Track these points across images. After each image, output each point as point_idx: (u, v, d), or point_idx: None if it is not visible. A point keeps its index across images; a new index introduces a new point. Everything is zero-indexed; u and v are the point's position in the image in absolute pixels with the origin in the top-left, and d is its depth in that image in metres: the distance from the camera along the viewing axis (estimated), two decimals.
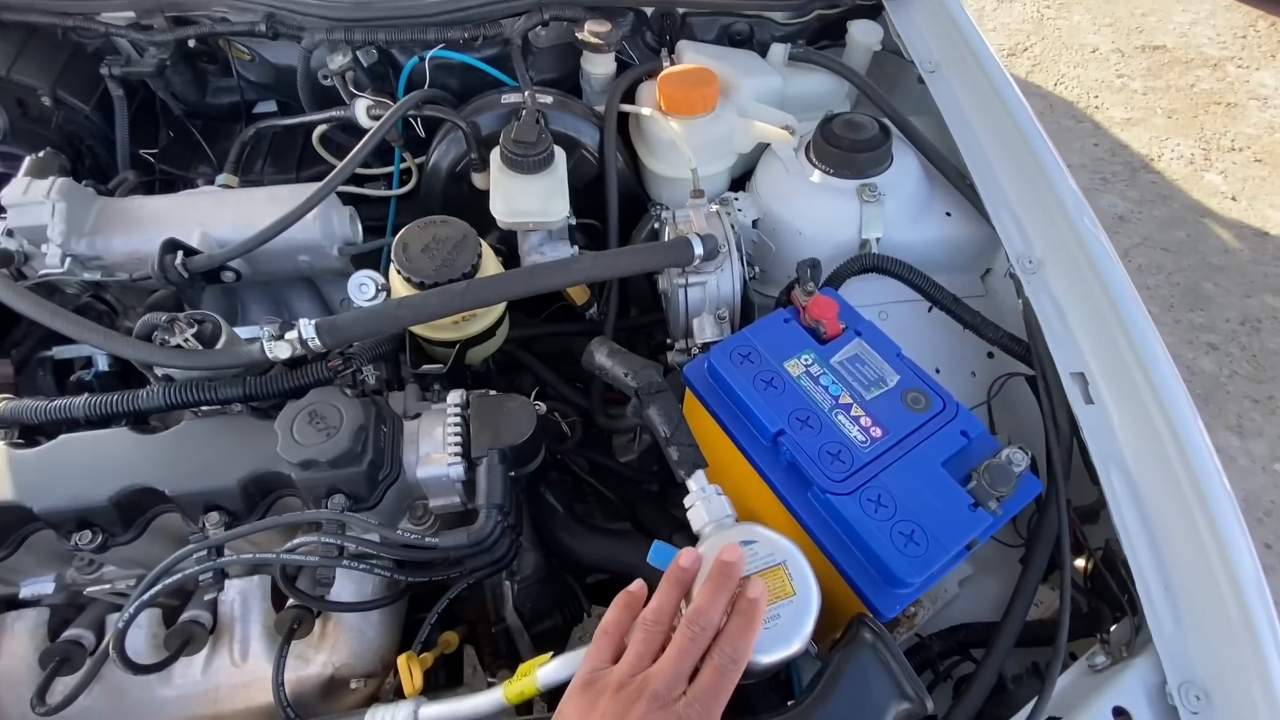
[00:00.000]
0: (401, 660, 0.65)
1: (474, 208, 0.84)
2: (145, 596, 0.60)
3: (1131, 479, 0.67)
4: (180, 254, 0.72)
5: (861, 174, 0.88)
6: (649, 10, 1.02)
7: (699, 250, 0.76)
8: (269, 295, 0.93)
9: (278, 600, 0.73)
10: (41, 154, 0.76)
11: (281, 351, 0.65)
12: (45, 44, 0.92)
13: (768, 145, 0.96)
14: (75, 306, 0.73)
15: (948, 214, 0.92)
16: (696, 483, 0.64)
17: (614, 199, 0.92)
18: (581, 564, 0.86)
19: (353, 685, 0.73)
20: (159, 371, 0.70)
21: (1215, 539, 0.62)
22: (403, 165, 1.02)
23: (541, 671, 0.56)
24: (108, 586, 0.69)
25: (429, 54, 0.92)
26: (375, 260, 0.97)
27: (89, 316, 0.68)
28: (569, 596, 0.90)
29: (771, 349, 0.71)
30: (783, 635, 0.54)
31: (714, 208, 0.85)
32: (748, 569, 0.56)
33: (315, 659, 0.71)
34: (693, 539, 0.64)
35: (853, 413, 0.67)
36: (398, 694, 0.70)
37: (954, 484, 0.63)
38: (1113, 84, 2.95)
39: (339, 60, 0.90)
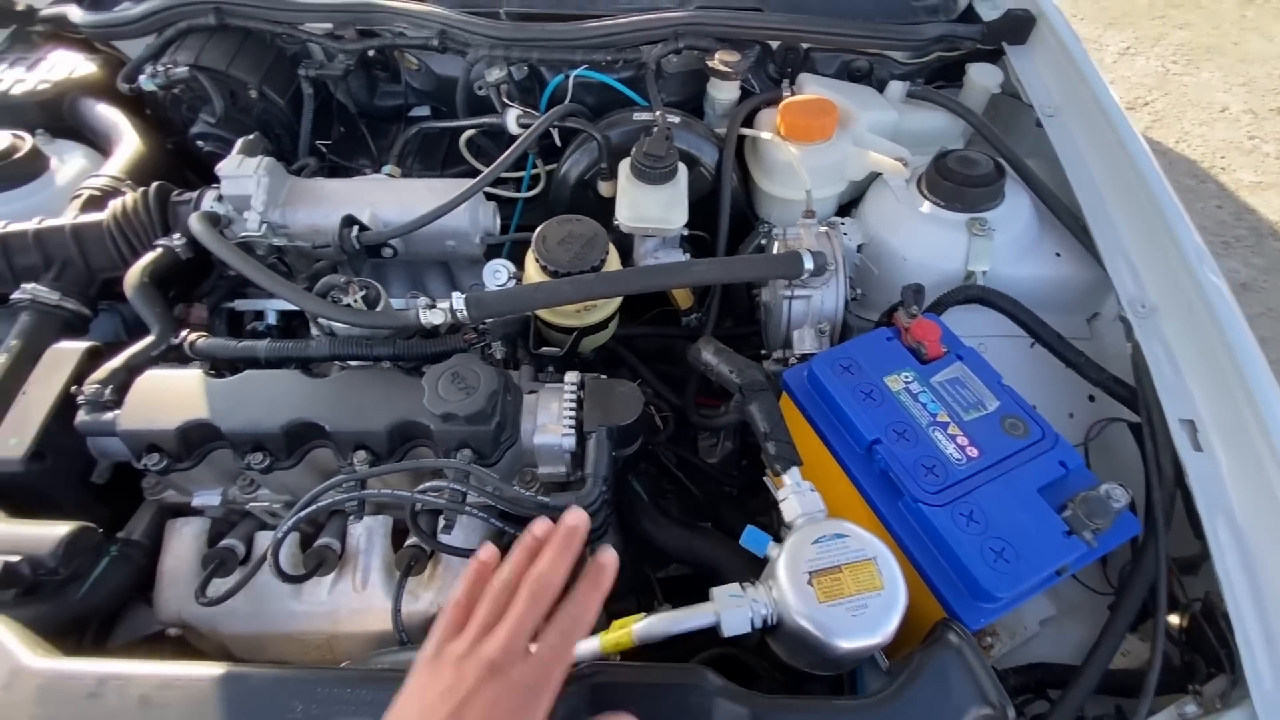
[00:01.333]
0: None
1: (595, 213, 0.92)
2: (301, 514, 0.70)
3: (1239, 530, 0.66)
4: (355, 229, 0.84)
5: (972, 208, 0.91)
6: (774, 44, 1.09)
7: (809, 265, 0.81)
8: (409, 273, 1.04)
9: (396, 540, 0.82)
10: (251, 137, 0.90)
11: (435, 318, 0.75)
12: (257, 46, 1.08)
13: (878, 175, 1.00)
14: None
15: (1057, 254, 0.93)
16: (791, 478, 0.68)
17: (726, 213, 0.99)
18: (660, 553, 0.90)
19: None
20: (323, 325, 0.81)
21: None
22: (533, 170, 1.13)
23: (637, 626, 0.61)
24: (263, 505, 0.79)
25: (574, 73, 1.02)
26: (500, 252, 1.07)
27: None
28: (643, 584, 0.95)
29: (872, 363, 0.75)
30: (868, 625, 0.57)
31: (823, 228, 0.90)
32: (839, 561, 0.59)
33: (424, 596, 0.79)
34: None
35: (949, 431, 0.70)
36: None
37: (1049, 510, 0.65)
38: (1242, 145, 2.80)
39: (495, 74, 1.02)
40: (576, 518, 0.53)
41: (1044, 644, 0.78)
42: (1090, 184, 0.92)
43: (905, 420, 0.71)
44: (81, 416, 0.74)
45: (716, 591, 0.61)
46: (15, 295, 0.83)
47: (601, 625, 0.69)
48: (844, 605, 0.58)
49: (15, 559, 0.64)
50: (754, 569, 0.82)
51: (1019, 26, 1.10)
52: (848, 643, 0.57)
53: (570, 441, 0.77)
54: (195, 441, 0.74)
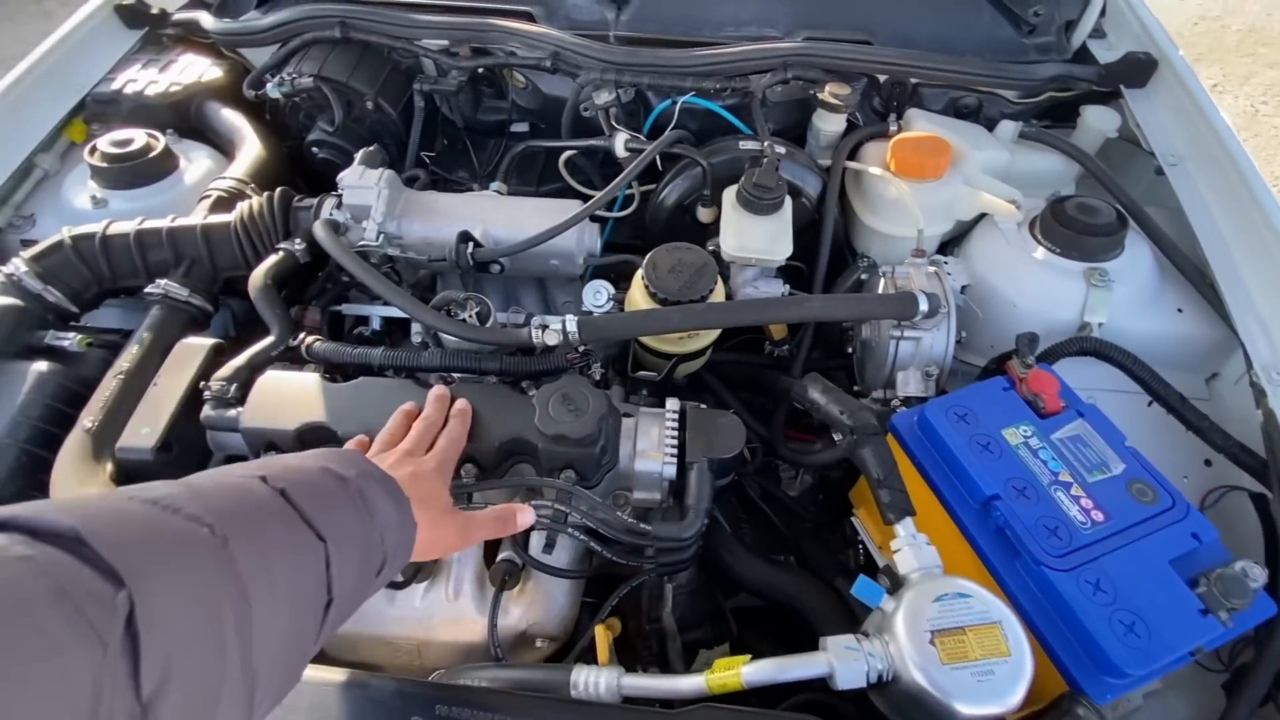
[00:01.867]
0: (600, 630, 0.72)
1: (690, 237, 0.92)
2: None
3: None
4: (470, 245, 0.86)
5: (1091, 257, 0.88)
6: (882, 78, 1.08)
7: (924, 306, 0.80)
8: (504, 287, 1.06)
9: (488, 553, 0.83)
10: (372, 148, 0.94)
11: (550, 339, 0.76)
12: (374, 59, 1.12)
13: (986, 215, 0.98)
14: None
15: (1179, 310, 0.89)
16: (905, 529, 0.66)
17: (827, 247, 0.98)
18: (738, 584, 0.89)
19: (538, 644, 0.81)
20: (438, 336, 0.83)
21: None
22: (627, 191, 1.14)
23: (747, 670, 0.60)
24: None
25: (681, 99, 1.03)
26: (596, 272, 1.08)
27: None
28: (717, 613, 0.94)
29: (989, 414, 0.73)
30: (994, 692, 0.55)
31: (933, 268, 0.88)
32: (963, 622, 0.58)
33: (513, 611, 0.80)
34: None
35: (1073, 492, 0.68)
36: (578, 659, 0.76)
37: (1182, 585, 0.62)
38: None
39: (604, 97, 1.03)
40: (440, 390, 0.75)
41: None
42: (1218, 238, 0.89)
43: (1025, 476, 0.68)
44: (207, 411, 0.77)
45: (831, 642, 0.60)
46: (149, 289, 0.87)
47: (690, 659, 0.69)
48: (968, 669, 0.56)
49: None
50: (841, 614, 0.81)
51: (1139, 70, 1.06)
52: (970, 709, 0.55)
53: (671, 470, 0.77)
54: (310, 443, 0.77)
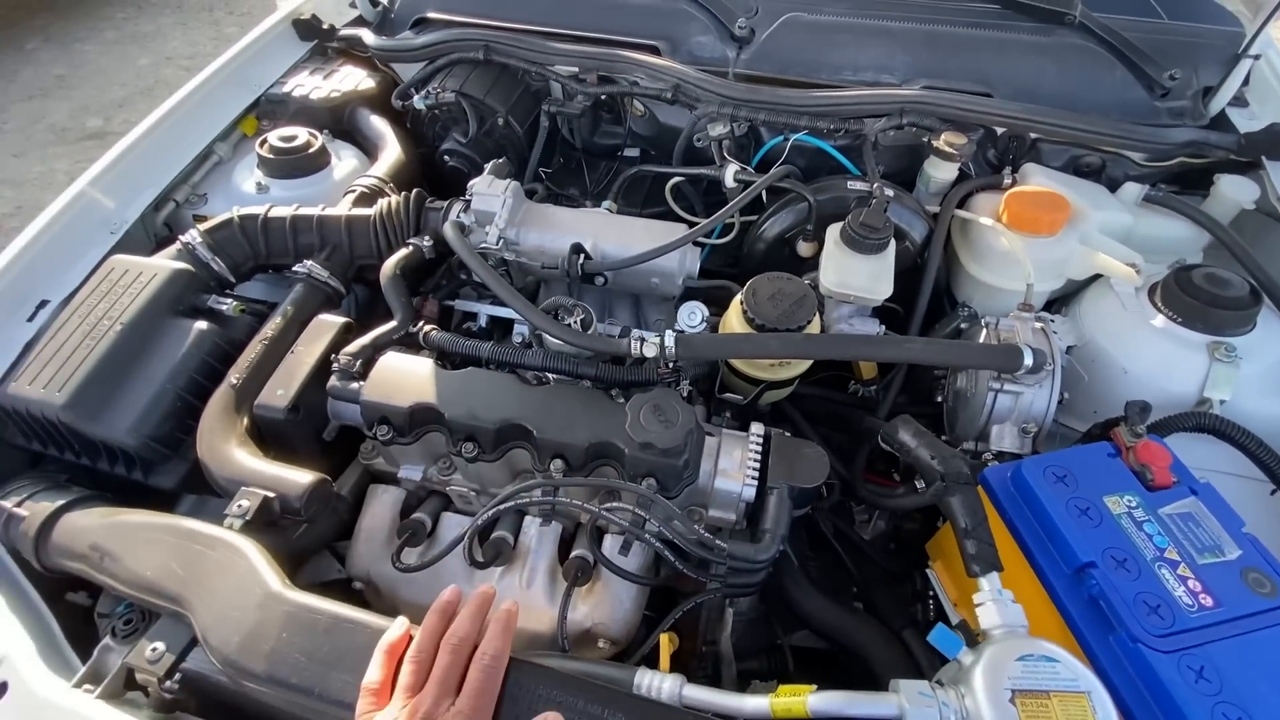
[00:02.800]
0: (664, 638, 0.74)
1: (787, 269, 0.93)
2: (503, 507, 0.76)
3: None
4: (581, 256, 0.91)
5: (1216, 330, 0.84)
6: (1000, 130, 1.07)
7: (1028, 361, 0.78)
8: (601, 301, 1.11)
9: (561, 550, 0.87)
10: (500, 160, 1.02)
11: (649, 351, 0.79)
12: (509, 80, 1.22)
13: (1102, 277, 0.95)
14: None
15: None
16: (990, 583, 0.65)
17: (928, 292, 0.97)
18: (803, 620, 0.88)
19: (600, 644, 0.83)
20: (542, 337, 0.88)
21: None
22: (728, 220, 1.17)
23: (814, 699, 0.60)
24: (456, 489, 0.87)
25: (794, 136, 1.06)
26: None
27: None
28: (773, 647, 0.93)
29: (1090, 479, 0.71)
30: None
31: (1039, 324, 0.86)
32: (1048, 686, 0.56)
33: (581, 608, 0.82)
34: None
35: (1179, 571, 0.64)
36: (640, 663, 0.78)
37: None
38: None
39: (719, 129, 1.08)
40: (489, 589, 0.62)
41: None
42: None
43: (1127, 548, 0.66)
44: (333, 382, 0.85)
45: (904, 685, 0.59)
46: (296, 268, 0.97)
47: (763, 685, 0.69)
48: None
49: (271, 495, 0.75)
50: (907, 666, 0.78)
51: (1265, 144, 1.01)
52: None
53: (751, 492, 0.78)
54: (419, 422, 0.83)
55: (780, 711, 0.61)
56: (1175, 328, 0.85)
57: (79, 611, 0.79)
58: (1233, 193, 1.00)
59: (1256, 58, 1.04)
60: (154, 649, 0.65)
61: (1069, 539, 0.66)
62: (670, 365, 0.86)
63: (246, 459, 0.78)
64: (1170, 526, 0.67)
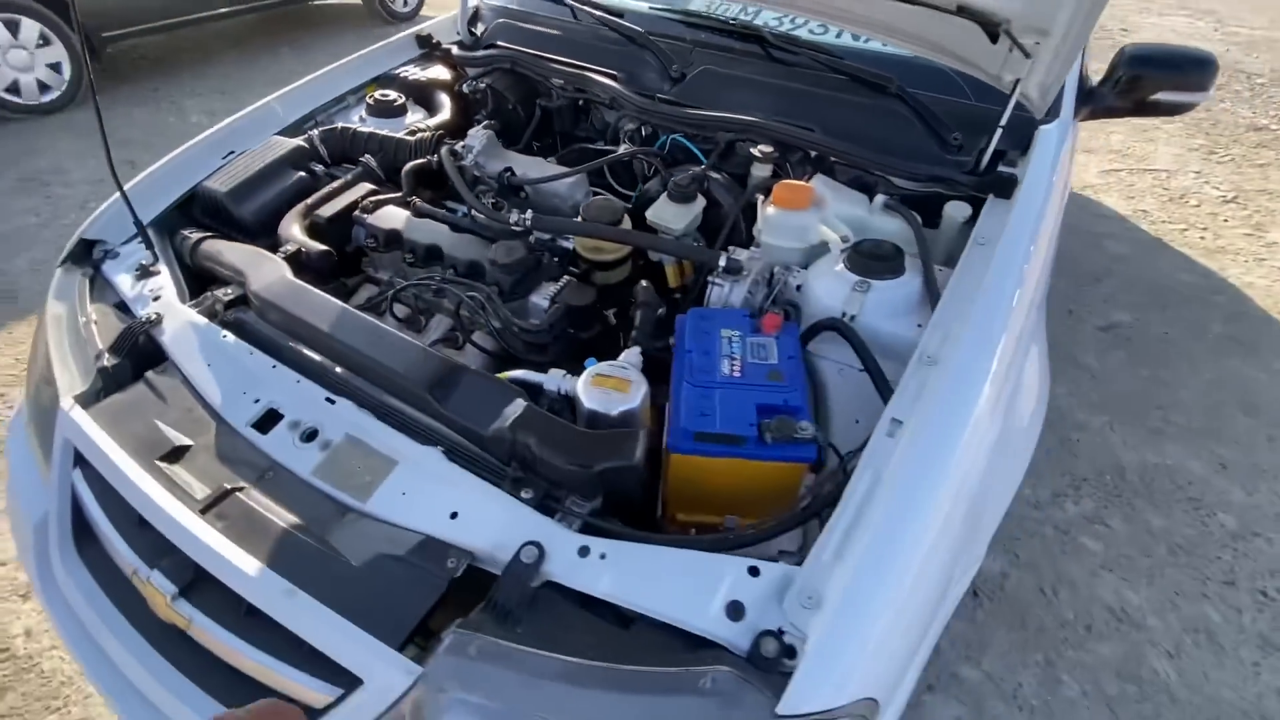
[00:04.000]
0: None
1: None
2: (410, 284, 1.37)
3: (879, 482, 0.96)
4: (509, 173, 1.54)
5: (866, 274, 1.29)
6: (812, 152, 1.58)
7: (722, 263, 1.28)
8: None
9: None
10: (488, 122, 1.68)
11: (518, 226, 1.38)
12: (521, 82, 1.91)
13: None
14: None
15: (919, 325, 1.25)
16: (631, 356, 1.16)
17: (726, 232, 1.48)
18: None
19: None
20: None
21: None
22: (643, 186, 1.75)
23: (513, 374, 1.14)
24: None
25: (673, 136, 1.63)
26: None
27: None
28: None
29: (724, 321, 1.20)
30: (608, 402, 1.03)
31: (755, 250, 1.35)
32: (613, 374, 1.06)
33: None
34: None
35: (732, 360, 1.12)
36: None
37: (753, 412, 1.03)
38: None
39: (629, 126, 1.68)
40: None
41: None
42: (955, 293, 1.23)
43: (713, 348, 1.14)
44: (356, 213, 1.52)
45: (553, 371, 1.11)
46: (362, 159, 1.67)
47: None
48: (601, 390, 1.04)
49: (302, 250, 1.41)
50: None
51: (1004, 185, 1.44)
52: (590, 404, 1.03)
53: (545, 304, 1.34)
54: (389, 240, 1.47)
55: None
56: (844, 271, 1.31)
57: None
58: (953, 211, 1.44)
59: (1002, 127, 1.48)
60: (225, 293, 1.32)
61: (688, 339, 1.16)
62: (534, 237, 1.44)
63: (297, 233, 1.45)
64: (746, 346, 1.15)
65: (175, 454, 1.09)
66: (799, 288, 1.39)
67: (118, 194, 1.40)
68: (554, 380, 1.09)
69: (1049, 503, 2.29)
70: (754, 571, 0.88)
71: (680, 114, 1.63)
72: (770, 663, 0.80)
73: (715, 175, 1.54)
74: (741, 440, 1.01)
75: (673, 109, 1.64)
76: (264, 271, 1.31)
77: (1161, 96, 1.67)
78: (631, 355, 1.14)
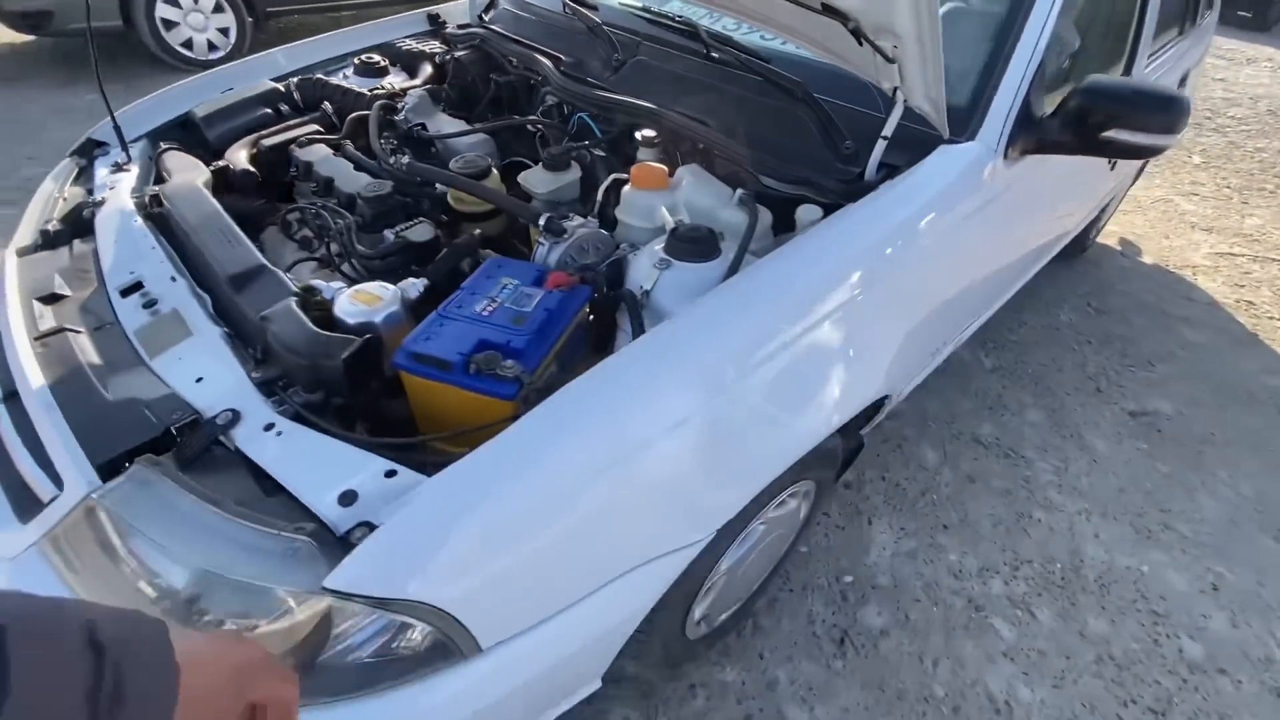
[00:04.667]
0: None
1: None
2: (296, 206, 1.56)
3: None
4: (422, 128, 1.70)
5: (675, 255, 1.30)
6: (699, 144, 1.60)
7: (542, 222, 1.35)
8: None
9: None
10: (430, 87, 1.86)
11: (399, 170, 1.54)
12: (487, 60, 2.08)
13: None
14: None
15: None
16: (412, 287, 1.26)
17: (596, 206, 1.55)
18: None
19: None
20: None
21: None
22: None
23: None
24: None
25: (581, 115, 1.72)
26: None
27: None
28: None
29: (512, 270, 1.27)
30: (358, 312, 1.14)
31: (593, 224, 1.40)
32: (373, 293, 1.17)
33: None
34: None
35: (490, 302, 1.18)
36: None
37: (472, 345, 1.09)
38: None
39: (550, 100, 1.78)
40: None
41: None
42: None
43: (483, 288, 1.21)
44: (293, 146, 1.75)
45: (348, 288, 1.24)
46: (323, 105, 1.91)
47: None
48: (352, 302, 1.15)
49: (233, 169, 1.66)
50: None
51: (861, 191, 1.39)
52: (337, 311, 1.15)
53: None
54: (308, 173, 1.68)
55: None
56: (658, 249, 1.33)
57: None
58: (803, 214, 1.41)
59: (886, 138, 1.42)
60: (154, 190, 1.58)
61: (471, 280, 1.24)
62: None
63: (238, 155, 1.70)
64: (515, 294, 1.21)
65: (52, 298, 1.34)
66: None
67: (131, 106, 1.74)
68: (330, 289, 1.22)
69: (973, 574, 2.08)
70: (391, 474, 0.95)
71: (589, 94, 1.71)
72: (351, 547, 0.86)
73: (598, 152, 1.60)
74: (448, 365, 1.07)
75: (583, 89, 1.73)
76: (182, 177, 1.55)
77: (1116, 135, 1.50)
78: (410, 283, 1.25)
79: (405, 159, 1.55)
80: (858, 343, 1.30)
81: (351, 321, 1.15)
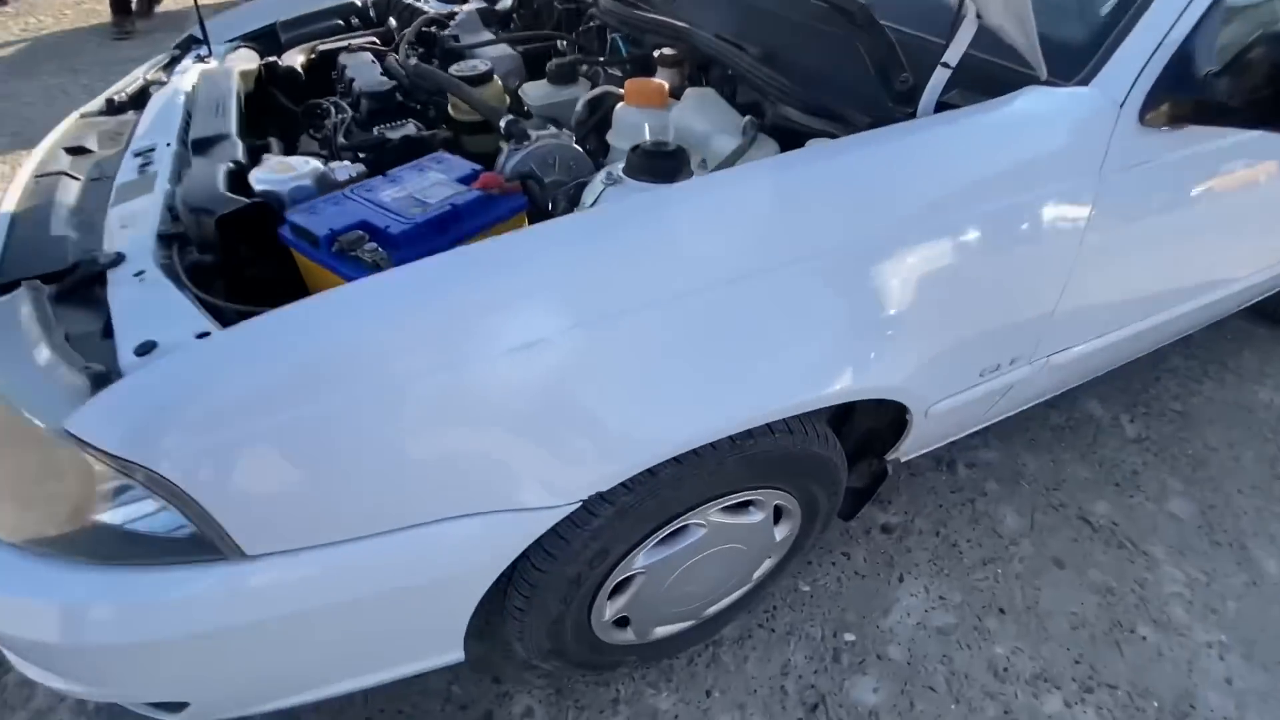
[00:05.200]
0: None
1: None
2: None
3: None
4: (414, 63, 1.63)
5: (635, 174, 1.08)
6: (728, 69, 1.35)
7: (502, 126, 1.20)
8: None
9: None
10: (482, 8, 1.79)
11: (402, 70, 1.47)
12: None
13: None
14: None
15: None
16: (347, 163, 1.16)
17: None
18: None
19: None
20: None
21: None
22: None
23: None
24: None
25: (616, 36, 1.54)
26: None
27: None
28: None
29: (445, 166, 1.14)
30: (272, 181, 1.07)
31: (564, 134, 1.23)
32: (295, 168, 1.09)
33: None
34: None
35: (404, 189, 1.07)
36: None
37: (343, 226, 0.98)
38: None
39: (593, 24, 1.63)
40: None
41: None
42: None
43: (405, 177, 1.10)
44: (343, 53, 1.77)
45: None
46: (389, 21, 1.93)
47: None
48: (267, 169, 1.09)
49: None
50: None
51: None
52: (252, 179, 1.09)
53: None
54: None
55: None
56: (617, 167, 1.12)
57: None
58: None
59: (949, 65, 1.08)
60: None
61: (399, 171, 1.13)
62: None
63: (295, 56, 1.75)
64: (435, 188, 1.07)
65: (78, 150, 1.44)
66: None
67: (231, 11, 1.89)
68: (270, 159, 1.17)
69: (1022, 679, 1.59)
70: (204, 335, 0.86)
71: (624, 13, 1.53)
72: None
73: (614, 71, 1.42)
74: (315, 240, 0.96)
75: (620, 8, 1.55)
76: (225, 64, 1.63)
77: None
78: (343, 165, 1.16)
79: (412, 61, 1.48)
80: (840, 310, 0.98)
81: (258, 188, 1.08)
